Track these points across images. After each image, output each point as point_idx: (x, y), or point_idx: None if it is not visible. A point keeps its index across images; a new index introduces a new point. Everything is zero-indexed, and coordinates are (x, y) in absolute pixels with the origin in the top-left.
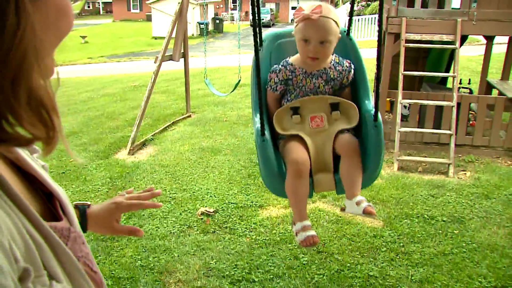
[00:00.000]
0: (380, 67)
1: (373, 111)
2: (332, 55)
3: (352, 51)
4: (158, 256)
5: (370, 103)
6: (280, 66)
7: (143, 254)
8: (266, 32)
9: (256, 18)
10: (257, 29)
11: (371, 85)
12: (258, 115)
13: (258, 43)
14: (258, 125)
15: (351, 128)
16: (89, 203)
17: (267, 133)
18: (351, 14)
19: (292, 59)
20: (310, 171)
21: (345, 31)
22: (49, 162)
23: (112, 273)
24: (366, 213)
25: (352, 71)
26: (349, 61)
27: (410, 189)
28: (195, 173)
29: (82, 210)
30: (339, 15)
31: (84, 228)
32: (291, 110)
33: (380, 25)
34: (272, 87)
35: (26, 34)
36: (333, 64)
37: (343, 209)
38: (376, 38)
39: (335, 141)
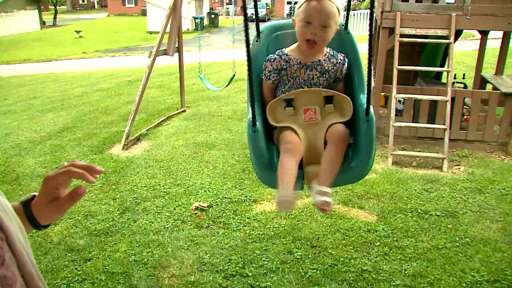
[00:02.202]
0: (371, 60)
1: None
2: (327, 48)
3: (349, 45)
4: (152, 251)
5: (365, 98)
6: (275, 55)
7: (137, 249)
8: (264, 24)
9: (249, 10)
10: (256, 19)
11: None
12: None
13: (247, 31)
14: (250, 115)
15: (345, 122)
16: (35, 193)
17: (259, 124)
18: (348, 8)
19: (288, 49)
20: (301, 164)
21: (342, 25)
22: (43, 157)
23: (106, 268)
24: (318, 207)
25: (346, 64)
26: (343, 55)
27: (404, 183)
28: (189, 167)
29: (26, 206)
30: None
31: (37, 224)
32: (284, 102)
33: (371, 16)
34: (266, 75)
35: None
36: (327, 56)
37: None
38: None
39: (326, 132)
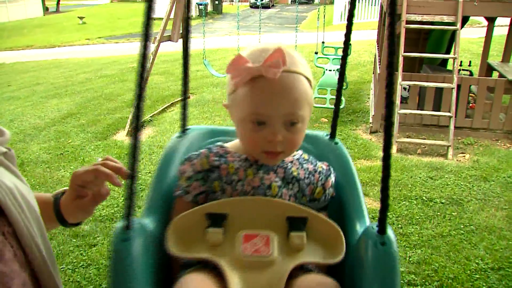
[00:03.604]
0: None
1: (375, 224)
2: (299, 150)
3: (339, 161)
4: None
5: (365, 223)
6: (200, 151)
7: None
8: (194, 126)
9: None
10: (184, 109)
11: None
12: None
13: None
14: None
15: (326, 266)
16: (66, 188)
17: (137, 233)
18: (337, 106)
19: (228, 144)
20: None
21: (327, 135)
22: (47, 144)
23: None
24: None
25: (332, 179)
26: (327, 164)
27: (409, 171)
28: None
29: (56, 200)
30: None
31: (63, 220)
32: (208, 218)
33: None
34: (183, 188)
35: None
36: (297, 159)
37: None
38: (377, 19)
39: (291, 286)
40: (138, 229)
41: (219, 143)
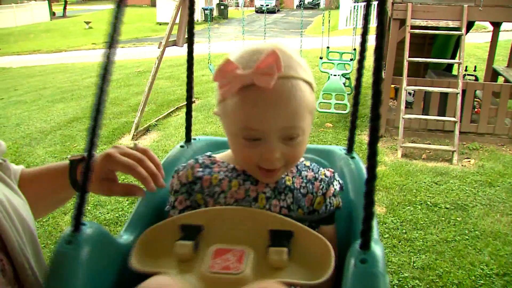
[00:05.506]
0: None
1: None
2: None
3: (353, 174)
4: None
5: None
6: (188, 162)
7: None
8: (199, 137)
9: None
10: (188, 120)
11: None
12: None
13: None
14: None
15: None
16: (84, 155)
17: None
18: (356, 100)
19: (219, 153)
20: None
21: (344, 149)
22: (53, 147)
23: None
24: None
25: (336, 187)
26: (332, 171)
27: (413, 176)
28: None
29: (72, 167)
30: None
31: (76, 185)
32: (182, 230)
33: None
34: (170, 201)
35: None
36: (296, 166)
37: None
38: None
39: None
40: (90, 233)
41: (208, 153)
